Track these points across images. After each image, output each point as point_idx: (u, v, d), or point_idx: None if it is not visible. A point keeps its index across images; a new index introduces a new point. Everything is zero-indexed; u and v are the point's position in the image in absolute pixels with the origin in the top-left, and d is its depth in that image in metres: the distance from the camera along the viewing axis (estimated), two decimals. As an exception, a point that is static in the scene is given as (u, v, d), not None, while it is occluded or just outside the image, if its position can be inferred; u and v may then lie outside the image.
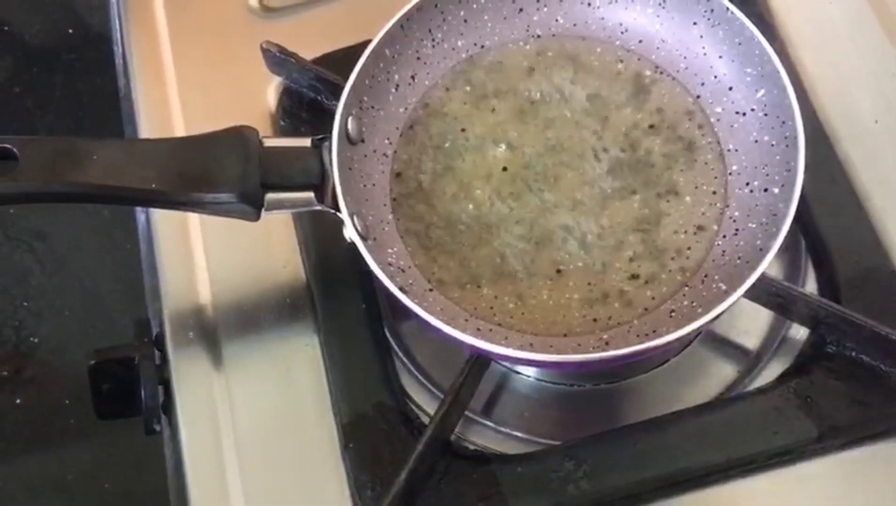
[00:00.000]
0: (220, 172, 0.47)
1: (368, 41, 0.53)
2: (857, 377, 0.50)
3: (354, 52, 0.54)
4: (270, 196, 0.48)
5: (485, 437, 0.52)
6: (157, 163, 0.47)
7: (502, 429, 0.52)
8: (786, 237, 0.46)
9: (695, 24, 0.53)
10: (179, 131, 0.61)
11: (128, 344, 0.54)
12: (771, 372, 0.52)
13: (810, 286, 0.54)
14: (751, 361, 0.53)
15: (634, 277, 0.50)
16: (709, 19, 0.52)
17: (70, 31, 1.00)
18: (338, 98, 0.51)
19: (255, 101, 0.61)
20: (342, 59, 0.58)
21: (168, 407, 0.54)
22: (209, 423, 0.52)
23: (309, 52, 0.60)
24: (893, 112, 0.57)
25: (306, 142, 0.50)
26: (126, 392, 0.54)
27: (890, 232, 0.53)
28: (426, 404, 0.52)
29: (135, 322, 0.57)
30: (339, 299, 0.55)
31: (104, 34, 0.73)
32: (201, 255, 0.57)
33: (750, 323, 0.54)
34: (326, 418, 0.52)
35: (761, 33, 0.51)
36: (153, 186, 0.46)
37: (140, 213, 0.61)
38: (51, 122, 0.97)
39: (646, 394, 0.53)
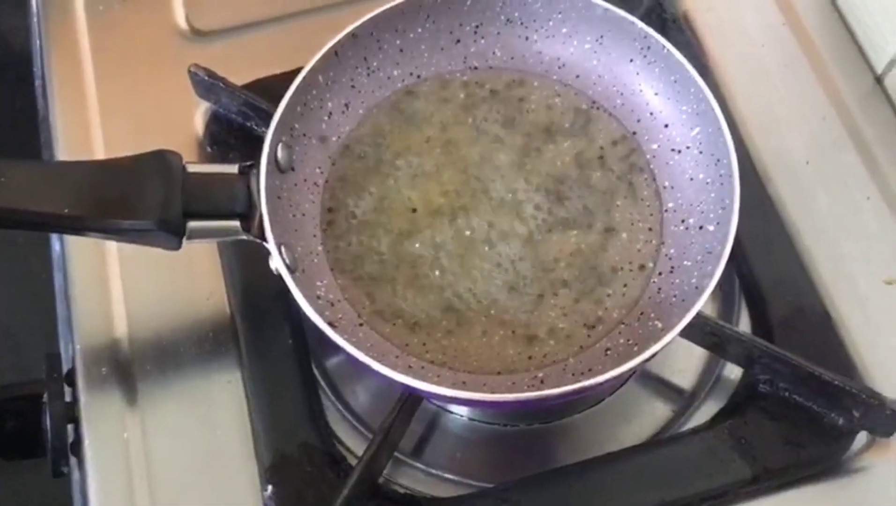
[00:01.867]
0: (139, 198, 0.45)
1: (301, 68, 0.52)
2: (791, 418, 0.50)
3: (287, 78, 0.52)
4: (193, 224, 0.46)
5: (415, 479, 0.50)
6: (72, 186, 0.44)
7: (433, 471, 0.51)
8: (720, 275, 0.46)
9: (631, 60, 0.53)
10: (100, 156, 0.58)
11: (35, 380, 0.51)
12: (705, 412, 0.52)
13: (744, 325, 0.54)
14: (685, 400, 0.53)
15: (569, 313, 0.49)
16: (645, 56, 0.52)
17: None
18: (268, 125, 0.50)
19: (182, 126, 0.59)
20: (274, 86, 0.56)
21: (77, 448, 0.51)
22: (121, 465, 0.49)
23: (239, 78, 0.59)
24: (824, 153, 0.58)
25: (233, 168, 0.48)
26: (32, 431, 0.51)
27: (821, 271, 0.54)
28: (354, 444, 0.51)
29: (45, 356, 0.53)
30: (264, 334, 0.53)
31: (26, 54, 0.70)
32: (118, 284, 0.55)
33: (684, 362, 0.54)
34: (248, 460, 0.49)
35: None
36: (66, 210, 0.43)
37: (55, 240, 0.58)
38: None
39: (581, 434, 0.52)
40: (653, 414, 0.52)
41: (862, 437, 0.50)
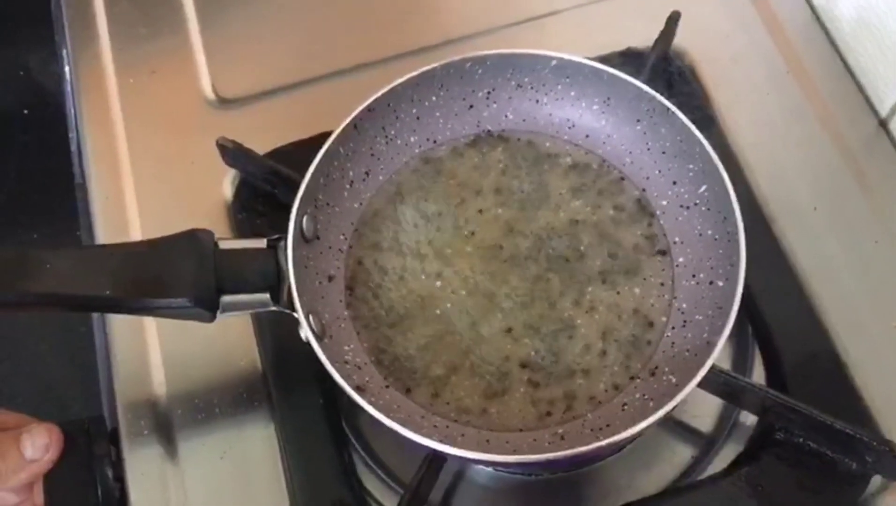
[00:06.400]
0: (174, 278, 0.47)
1: (323, 133, 0.54)
2: (806, 464, 0.51)
3: (309, 144, 0.55)
4: (226, 299, 0.49)
5: (444, 530, 0.52)
6: (112, 270, 0.47)
7: (461, 522, 0.52)
8: (732, 325, 0.47)
9: (638, 121, 0.55)
10: (135, 223, 0.61)
11: (83, 445, 0.54)
12: (724, 457, 0.53)
13: (758, 372, 0.55)
14: (705, 445, 0.54)
15: (587, 370, 0.51)
16: (651, 117, 0.54)
17: (25, 111, 1.00)
18: (293, 192, 0.52)
19: (212, 192, 0.62)
20: (297, 152, 0.59)
21: (123, 503, 0.53)
22: (164, 521, 0.51)
23: (265, 142, 0.61)
24: (831, 199, 0.59)
25: (261, 243, 0.50)
26: (81, 492, 0.53)
27: (832, 317, 0.55)
28: (385, 498, 0.53)
29: (90, 419, 0.56)
30: (296, 392, 0.55)
31: (60, 114, 0.73)
32: (156, 345, 0.57)
33: (703, 407, 0.55)
34: (285, 515, 0.51)
35: (703, 125, 0.52)
36: (107, 292, 0.46)
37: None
38: (2, 203, 0.96)
39: (604, 482, 0.54)
40: (673, 460, 0.53)
41: (876, 480, 0.51)
